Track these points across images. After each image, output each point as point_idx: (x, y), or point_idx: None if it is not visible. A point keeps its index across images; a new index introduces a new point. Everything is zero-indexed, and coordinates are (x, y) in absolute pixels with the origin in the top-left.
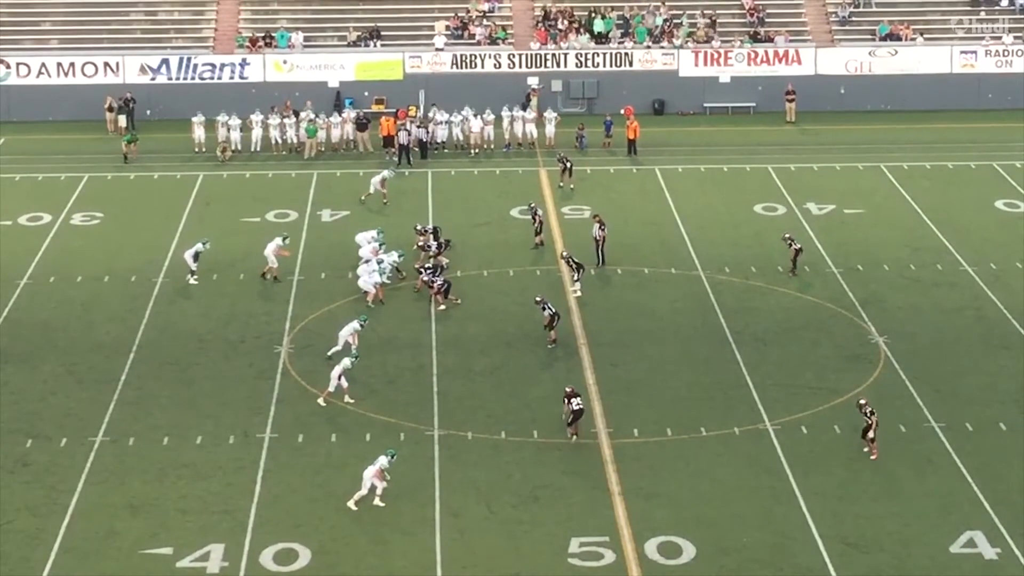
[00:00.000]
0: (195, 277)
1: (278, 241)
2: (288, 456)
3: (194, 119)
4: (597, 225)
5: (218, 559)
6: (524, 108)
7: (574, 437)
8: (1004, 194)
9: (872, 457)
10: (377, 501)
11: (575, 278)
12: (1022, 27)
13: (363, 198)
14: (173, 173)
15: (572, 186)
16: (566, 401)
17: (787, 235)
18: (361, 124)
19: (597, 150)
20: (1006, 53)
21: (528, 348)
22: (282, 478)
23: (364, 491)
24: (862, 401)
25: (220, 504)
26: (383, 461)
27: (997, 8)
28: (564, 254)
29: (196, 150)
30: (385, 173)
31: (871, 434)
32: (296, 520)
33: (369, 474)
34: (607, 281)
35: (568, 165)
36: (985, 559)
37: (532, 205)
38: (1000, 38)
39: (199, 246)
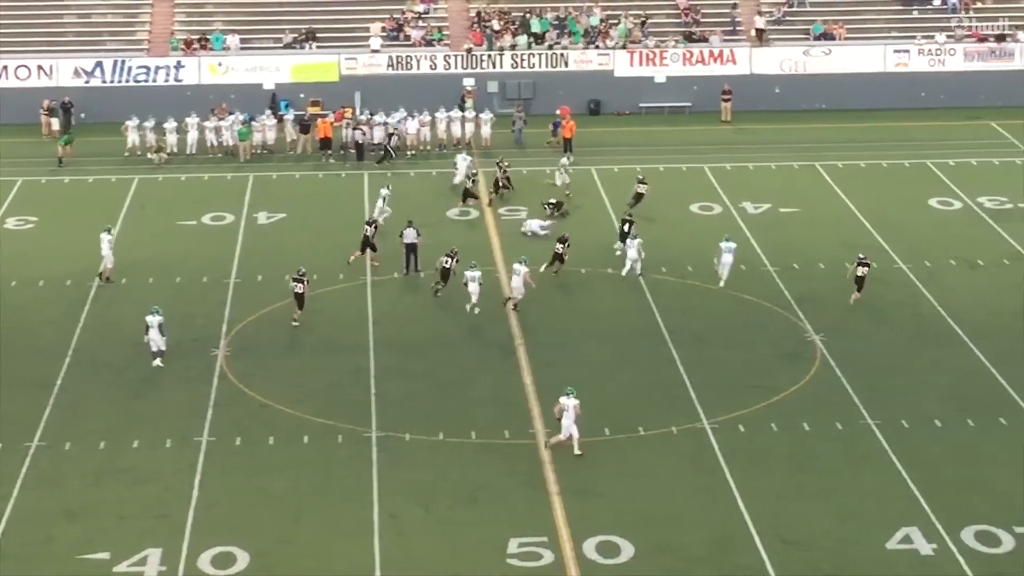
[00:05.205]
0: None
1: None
2: (226, 459)
3: (128, 122)
4: (413, 231)
5: (156, 564)
6: (461, 109)
7: (437, 293)
8: (938, 192)
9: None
10: (577, 450)
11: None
12: (954, 26)
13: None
14: (108, 176)
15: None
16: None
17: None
18: (304, 126)
19: (535, 149)
20: (939, 52)
21: (466, 349)
22: (220, 481)
23: (563, 437)
24: (861, 255)
25: (158, 508)
26: (572, 402)
27: (929, 7)
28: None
29: (127, 154)
30: (383, 192)
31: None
32: (234, 523)
33: (569, 421)
34: (544, 281)
35: (503, 169)
36: (921, 555)
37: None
38: (932, 37)
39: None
